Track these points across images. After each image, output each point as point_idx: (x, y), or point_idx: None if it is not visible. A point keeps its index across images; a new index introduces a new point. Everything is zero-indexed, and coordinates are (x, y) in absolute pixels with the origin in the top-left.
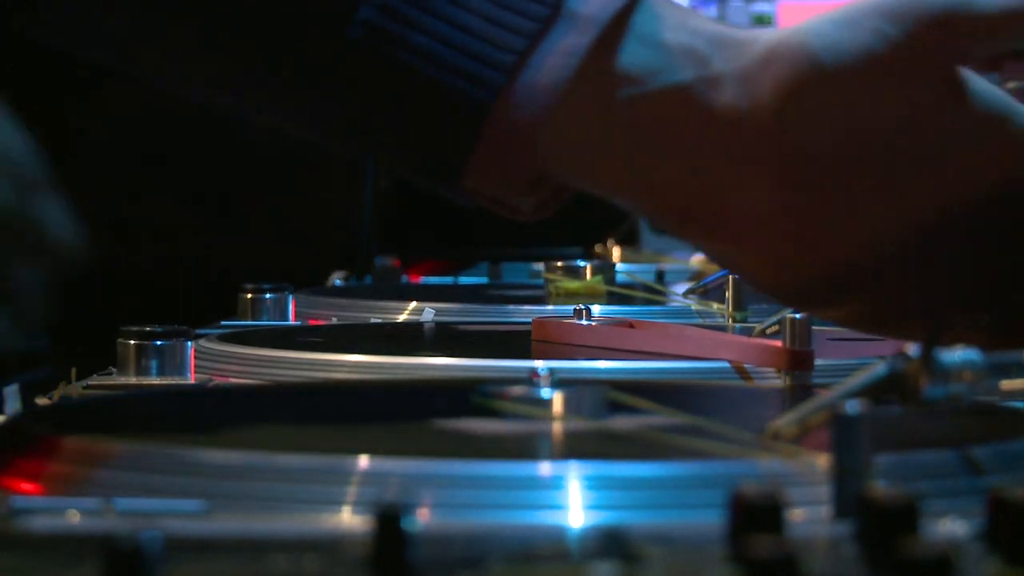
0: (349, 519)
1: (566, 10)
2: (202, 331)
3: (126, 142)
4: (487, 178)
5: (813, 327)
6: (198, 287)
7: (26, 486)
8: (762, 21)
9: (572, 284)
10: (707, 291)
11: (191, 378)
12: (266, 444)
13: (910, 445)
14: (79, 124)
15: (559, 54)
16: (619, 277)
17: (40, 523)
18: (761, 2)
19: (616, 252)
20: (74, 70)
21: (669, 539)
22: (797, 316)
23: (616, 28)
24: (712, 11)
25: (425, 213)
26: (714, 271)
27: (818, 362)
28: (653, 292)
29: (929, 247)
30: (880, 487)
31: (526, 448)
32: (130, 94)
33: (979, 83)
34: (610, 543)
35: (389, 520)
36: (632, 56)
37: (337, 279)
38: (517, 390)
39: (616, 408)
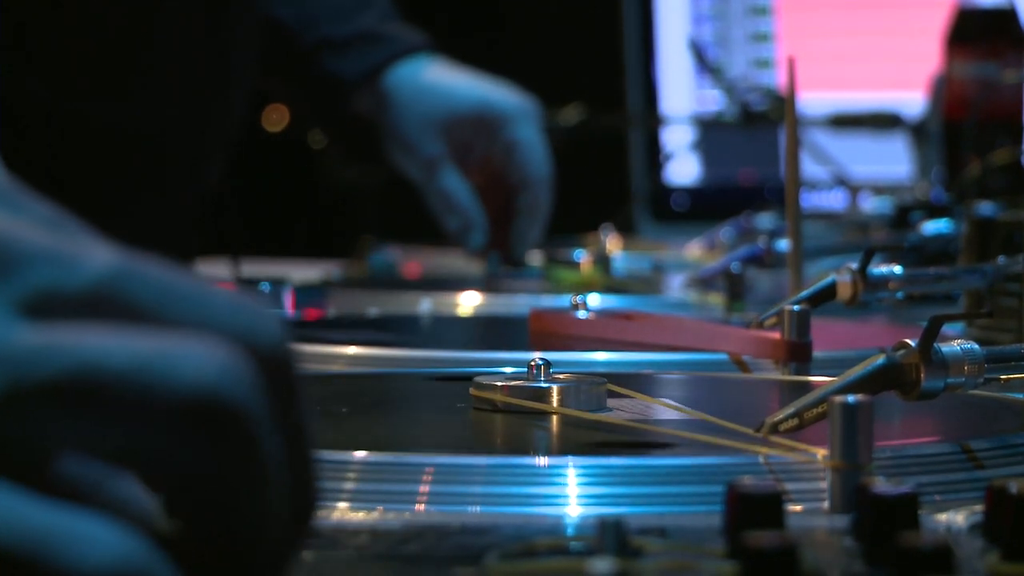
0: (347, 513)
1: None
2: None
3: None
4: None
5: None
6: None
7: None
8: (760, 12)
9: (570, 275)
10: (705, 283)
11: None
12: None
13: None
14: None
15: None
16: (617, 268)
17: None
18: None
19: (613, 243)
20: None
21: (667, 532)
22: (796, 308)
23: None
24: (708, 3)
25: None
26: (712, 262)
27: (816, 354)
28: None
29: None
30: (879, 480)
31: (524, 441)
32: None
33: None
34: (608, 536)
35: None
36: None
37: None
38: (515, 381)
39: (613, 400)
